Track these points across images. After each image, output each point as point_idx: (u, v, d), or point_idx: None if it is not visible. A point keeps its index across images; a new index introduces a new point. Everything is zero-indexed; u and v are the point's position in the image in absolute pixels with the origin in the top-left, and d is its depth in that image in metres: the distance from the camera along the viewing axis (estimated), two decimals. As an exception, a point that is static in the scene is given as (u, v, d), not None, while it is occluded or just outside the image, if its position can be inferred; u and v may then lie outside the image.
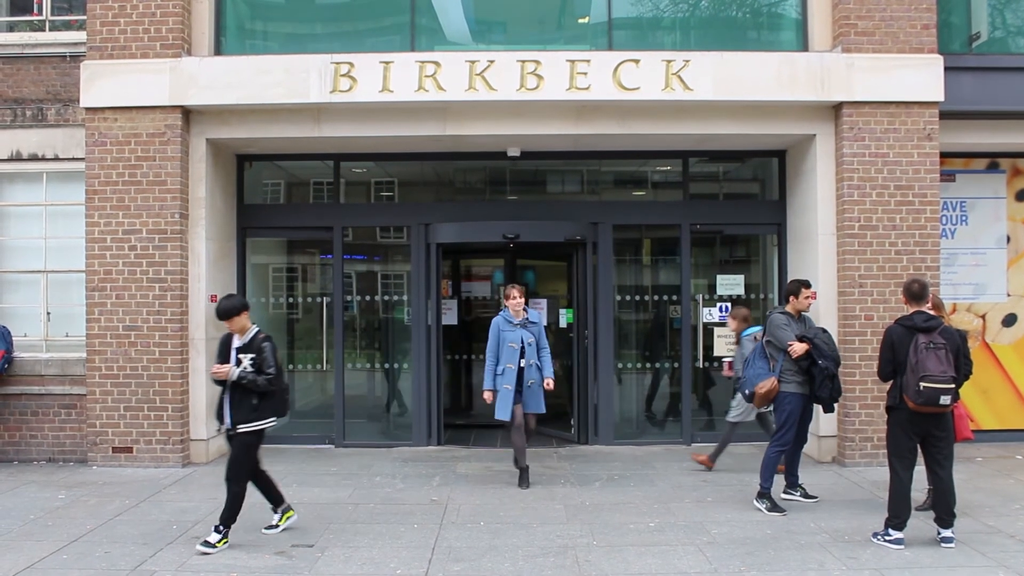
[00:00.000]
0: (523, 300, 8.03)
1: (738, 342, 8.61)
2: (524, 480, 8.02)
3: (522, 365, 7.87)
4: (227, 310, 6.31)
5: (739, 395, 8.23)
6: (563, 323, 10.61)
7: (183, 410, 8.93)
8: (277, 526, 6.60)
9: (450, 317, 10.88)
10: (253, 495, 6.26)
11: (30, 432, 9.28)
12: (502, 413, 7.82)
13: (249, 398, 6.24)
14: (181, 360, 8.89)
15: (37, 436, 9.28)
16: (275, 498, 6.65)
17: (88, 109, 8.89)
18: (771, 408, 7.49)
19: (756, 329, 8.40)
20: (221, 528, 6.17)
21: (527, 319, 7.99)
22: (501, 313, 8.04)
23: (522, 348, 7.87)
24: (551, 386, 8.00)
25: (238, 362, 6.26)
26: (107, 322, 8.84)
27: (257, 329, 6.44)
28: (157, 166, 8.86)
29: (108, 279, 8.85)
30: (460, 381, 11.90)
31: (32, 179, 9.63)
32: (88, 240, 8.91)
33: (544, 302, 10.89)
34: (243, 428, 6.23)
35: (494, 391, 7.92)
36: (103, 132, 8.87)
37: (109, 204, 8.86)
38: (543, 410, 8.07)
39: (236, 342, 6.34)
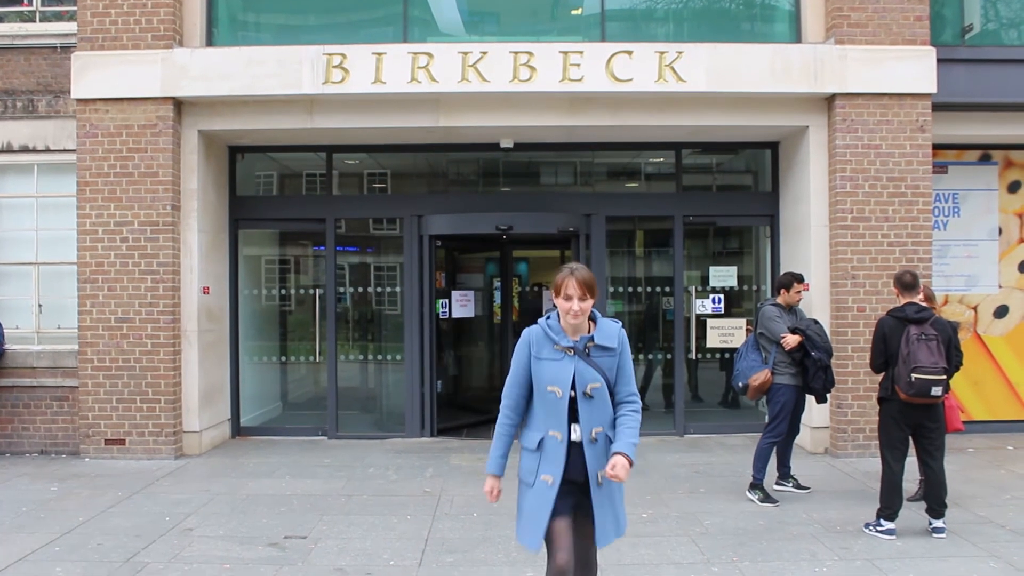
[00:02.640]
0: (589, 303, 3.87)
1: None
2: None
3: (574, 438, 3.87)
4: None
5: None
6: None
7: (175, 402, 8.91)
8: None
9: (468, 310, 10.87)
10: (245, 488, 6.23)
11: (22, 424, 9.25)
12: (525, 536, 3.95)
13: None
14: (173, 352, 8.87)
15: (29, 428, 9.25)
16: None
17: (79, 100, 8.85)
18: (765, 399, 7.52)
19: None
20: None
21: (591, 339, 3.91)
22: (540, 322, 4.03)
23: (571, 399, 3.87)
24: (620, 474, 3.72)
25: None
26: (99, 314, 8.82)
27: None
28: (149, 158, 8.83)
29: (100, 271, 8.83)
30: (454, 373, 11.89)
31: (23, 171, 9.58)
32: (80, 232, 8.87)
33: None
34: None
35: (499, 477, 4.04)
36: (94, 123, 8.83)
37: (101, 196, 8.83)
38: (623, 532, 4.06)
39: None
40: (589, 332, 3.94)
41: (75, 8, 9.01)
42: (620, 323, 4.06)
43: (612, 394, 3.94)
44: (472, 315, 11.05)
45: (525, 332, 4.05)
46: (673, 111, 9.12)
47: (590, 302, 3.86)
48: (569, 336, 3.92)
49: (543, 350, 3.95)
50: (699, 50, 8.78)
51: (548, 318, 4.01)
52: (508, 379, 4.05)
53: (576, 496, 3.92)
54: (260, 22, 9.87)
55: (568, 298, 3.85)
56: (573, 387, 3.86)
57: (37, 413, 9.25)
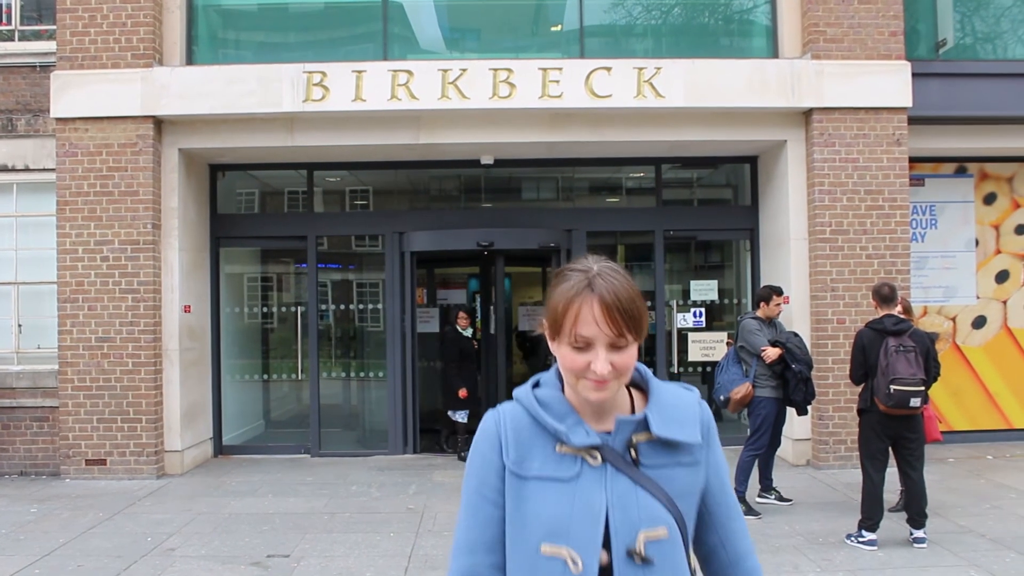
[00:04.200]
0: (631, 353, 1.64)
1: None
2: None
3: None
4: None
5: None
6: (539, 330, 10.56)
7: (157, 421, 8.85)
8: None
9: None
10: (227, 508, 6.21)
11: (1, 446, 9.15)
12: None
13: None
14: (154, 371, 8.82)
15: (8, 450, 9.16)
16: None
17: (59, 119, 8.82)
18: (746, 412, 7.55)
19: None
20: None
21: (643, 425, 1.70)
22: (520, 393, 1.78)
23: (602, 571, 1.62)
24: None
25: None
26: (79, 334, 8.76)
27: None
28: (129, 176, 8.80)
29: (80, 290, 8.78)
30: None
31: (2, 190, 9.52)
32: (60, 251, 8.82)
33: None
34: None
35: None
36: (74, 142, 8.80)
37: (80, 215, 8.79)
38: None
39: None
40: (634, 412, 1.77)
41: (55, 27, 8.99)
42: (697, 392, 1.84)
43: (697, 554, 1.86)
44: (491, 332, 10.98)
45: (486, 421, 1.81)
46: (652, 126, 9.18)
47: (633, 349, 1.67)
48: (590, 423, 1.73)
49: (530, 458, 1.73)
50: (677, 66, 8.84)
51: (537, 385, 1.81)
52: (458, 531, 1.79)
53: None
54: (240, 40, 9.88)
55: (583, 344, 1.66)
56: (606, 542, 1.67)
57: (17, 434, 9.17)
